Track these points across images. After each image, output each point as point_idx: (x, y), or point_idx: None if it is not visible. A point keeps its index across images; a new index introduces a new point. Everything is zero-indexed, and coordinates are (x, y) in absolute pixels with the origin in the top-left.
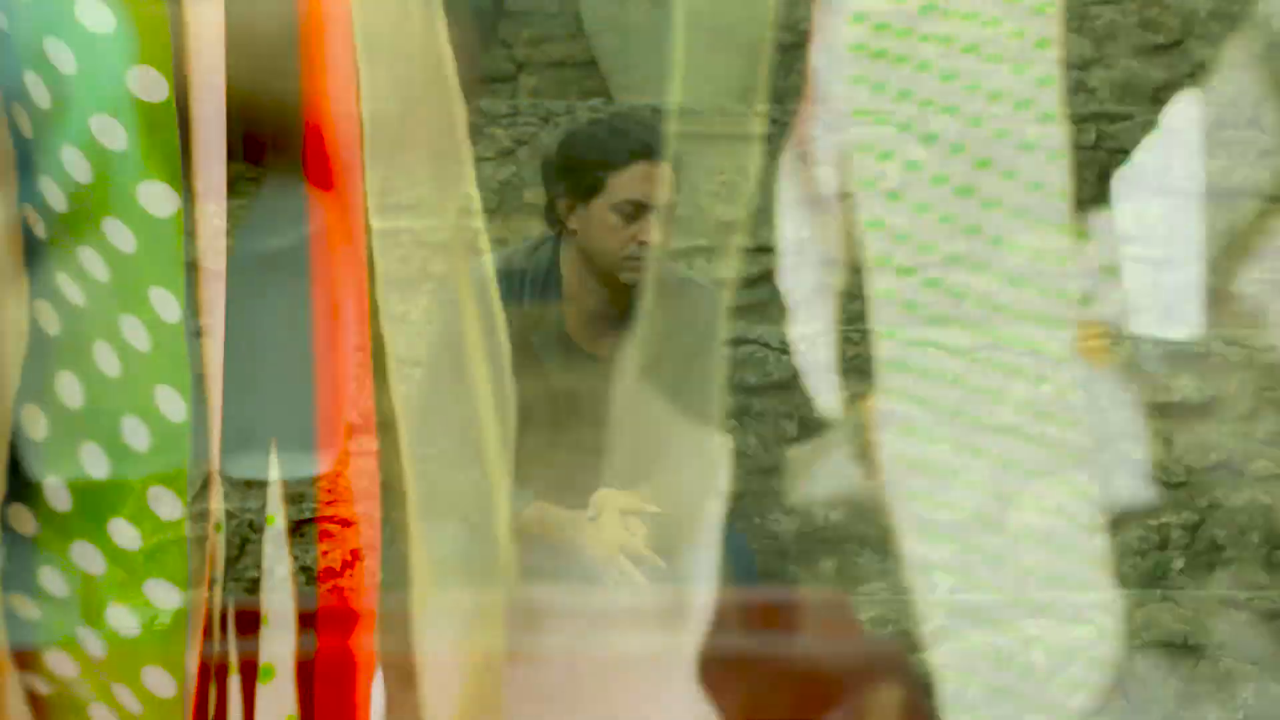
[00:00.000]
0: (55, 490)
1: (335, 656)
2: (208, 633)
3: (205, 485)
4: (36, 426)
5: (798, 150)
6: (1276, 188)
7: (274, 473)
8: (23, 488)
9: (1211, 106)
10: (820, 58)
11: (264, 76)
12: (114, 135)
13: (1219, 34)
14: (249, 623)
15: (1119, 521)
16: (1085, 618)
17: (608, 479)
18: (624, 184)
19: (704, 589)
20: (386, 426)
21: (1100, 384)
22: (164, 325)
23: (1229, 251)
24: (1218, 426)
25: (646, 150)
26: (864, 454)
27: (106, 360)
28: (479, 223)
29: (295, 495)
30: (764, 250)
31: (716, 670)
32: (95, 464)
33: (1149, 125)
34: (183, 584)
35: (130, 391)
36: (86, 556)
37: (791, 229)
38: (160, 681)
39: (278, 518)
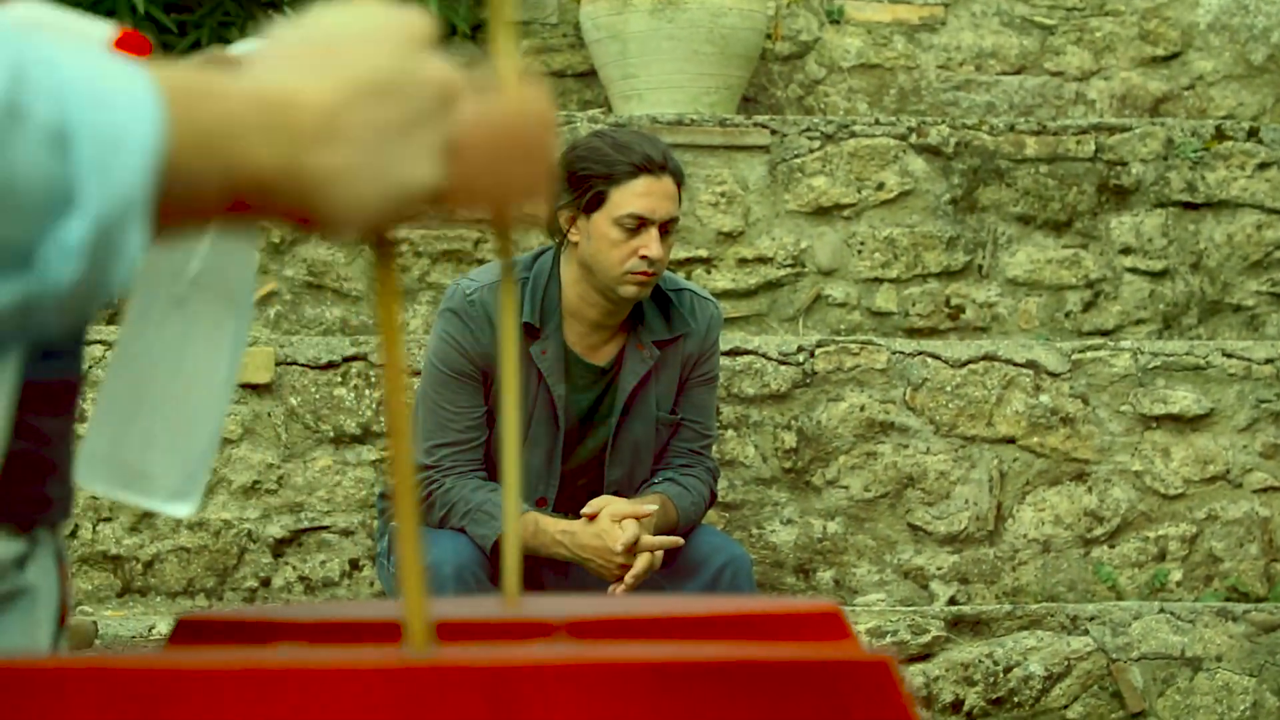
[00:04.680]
0: None
1: None
2: None
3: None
4: None
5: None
6: (1274, 200)
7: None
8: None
9: (1210, 118)
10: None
11: None
12: None
13: (1218, 47)
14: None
15: (1117, 533)
16: (1083, 629)
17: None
18: (626, 198)
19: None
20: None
21: (1099, 395)
22: None
23: (1228, 263)
24: (1215, 438)
25: (649, 164)
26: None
27: None
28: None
29: (294, 504)
30: (762, 261)
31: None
32: None
33: (1148, 137)
34: None
35: None
36: None
37: (790, 240)
38: None
39: None
